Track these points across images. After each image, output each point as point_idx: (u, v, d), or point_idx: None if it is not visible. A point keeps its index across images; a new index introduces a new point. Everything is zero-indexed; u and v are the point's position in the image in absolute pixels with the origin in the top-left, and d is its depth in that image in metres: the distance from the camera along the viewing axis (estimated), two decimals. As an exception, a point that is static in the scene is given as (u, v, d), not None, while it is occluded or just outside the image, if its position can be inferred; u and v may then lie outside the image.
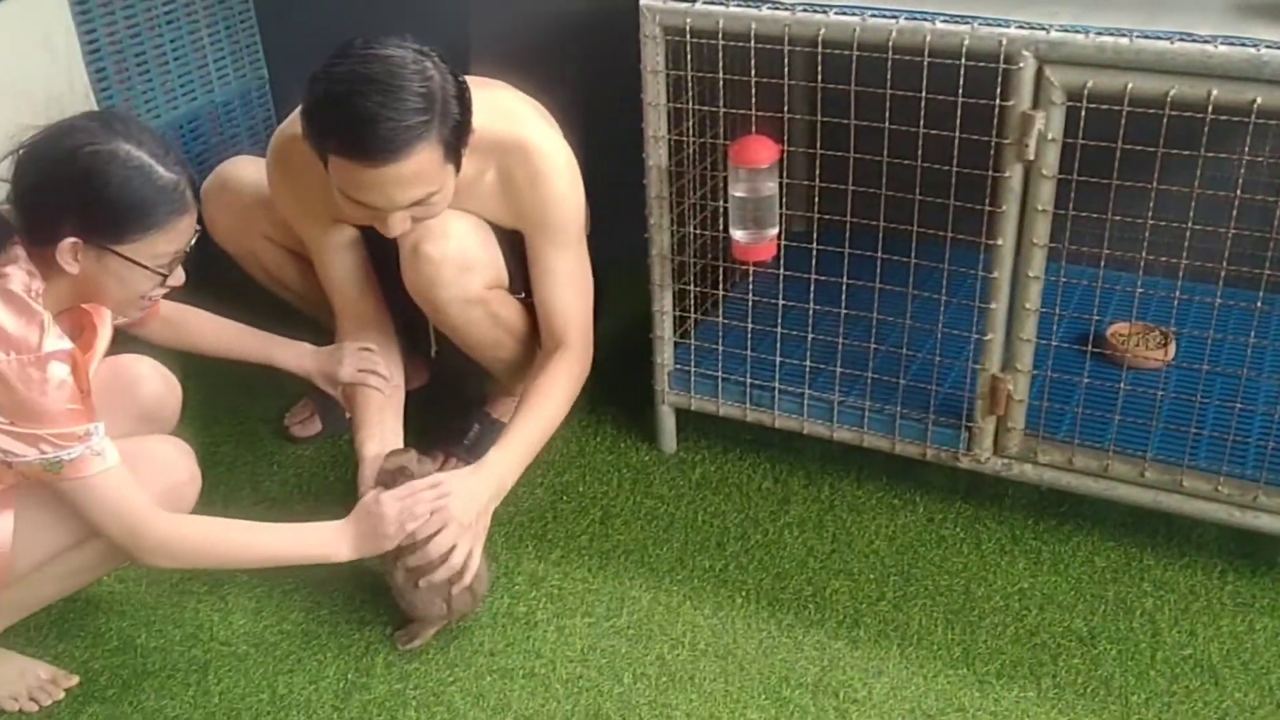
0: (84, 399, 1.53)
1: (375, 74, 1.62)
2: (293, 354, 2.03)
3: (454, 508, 1.75)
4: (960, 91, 1.69)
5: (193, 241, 1.60)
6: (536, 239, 1.93)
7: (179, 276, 1.61)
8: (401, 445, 1.91)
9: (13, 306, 1.48)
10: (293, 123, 1.92)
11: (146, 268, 1.54)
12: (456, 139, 1.70)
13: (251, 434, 2.33)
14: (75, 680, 1.79)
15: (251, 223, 2.13)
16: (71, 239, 1.49)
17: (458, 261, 1.89)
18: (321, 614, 1.90)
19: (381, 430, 1.94)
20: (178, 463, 1.73)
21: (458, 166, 1.74)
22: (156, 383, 1.87)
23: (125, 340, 1.88)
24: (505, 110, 1.89)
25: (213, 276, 2.03)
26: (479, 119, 1.77)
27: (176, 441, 1.76)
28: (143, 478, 1.63)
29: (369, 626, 1.87)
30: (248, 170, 2.16)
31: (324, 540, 1.73)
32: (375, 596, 1.92)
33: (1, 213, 1.54)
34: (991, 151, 1.72)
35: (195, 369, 1.98)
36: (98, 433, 1.52)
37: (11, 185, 1.52)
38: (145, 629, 1.87)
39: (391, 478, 1.79)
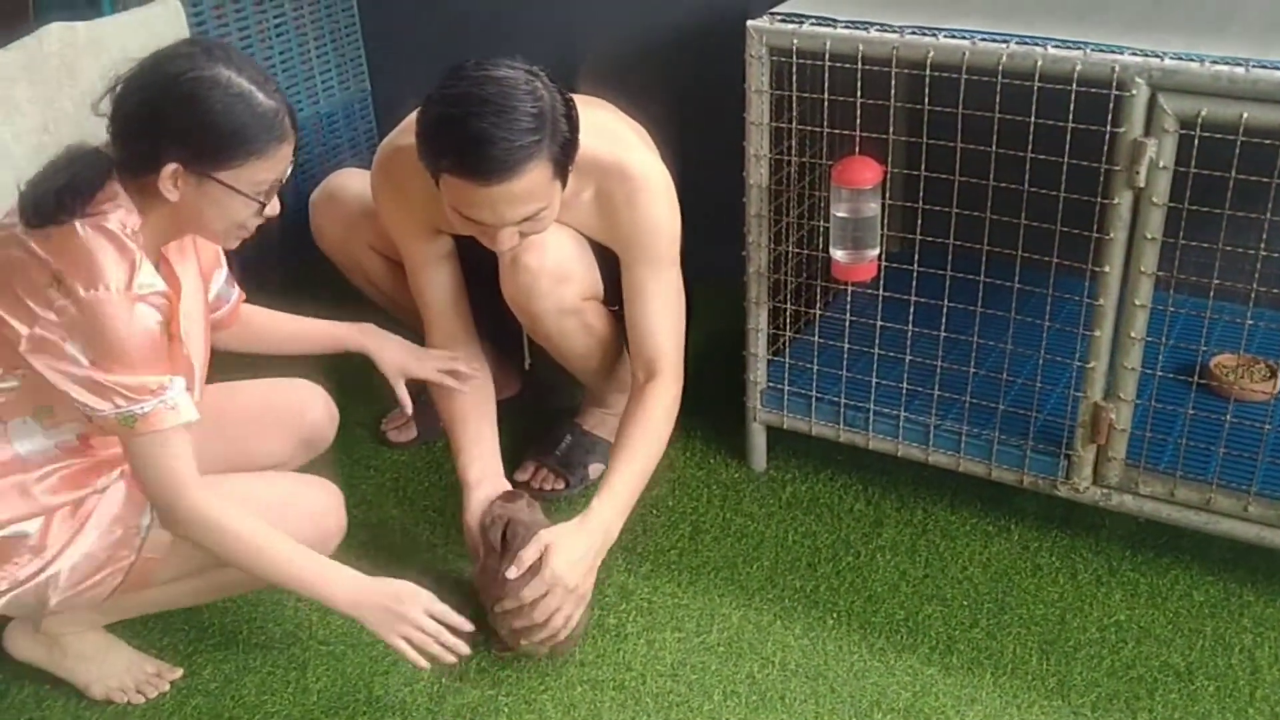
0: (170, 346, 1.55)
1: (489, 95, 1.65)
2: (356, 332, 2.02)
3: (559, 569, 1.75)
4: (1070, 117, 1.68)
5: (289, 171, 1.59)
6: (631, 261, 1.95)
7: (275, 206, 1.61)
8: (500, 466, 1.94)
9: (108, 242, 1.48)
10: (399, 134, 1.96)
11: (246, 195, 1.54)
12: (565, 156, 1.72)
13: (348, 437, 2.37)
14: (179, 673, 1.84)
15: (357, 233, 2.18)
16: (173, 165, 1.49)
17: (555, 272, 1.92)
18: (416, 618, 1.93)
19: (481, 451, 1.97)
20: (331, 513, 1.78)
21: (564, 183, 1.77)
22: (321, 412, 1.95)
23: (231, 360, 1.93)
24: (607, 132, 1.91)
25: (319, 287, 2.09)
26: (583, 138, 1.79)
27: (330, 489, 1.80)
28: (294, 522, 1.68)
29: (459, 632, 1.89)
30: (355, 182, 2.21)
31: (332, 585, 1.64)
32: (468, 602, 1.94)
33: (100, 149, 1.54)
34: (1101, 178, 1.70)
35: (292, 375, 2.02)
36: (174, 386, 1.53)
37: (112, 117, 1.53)
38: (247, 625, 1.91)
39: (498, 529, 1.80)
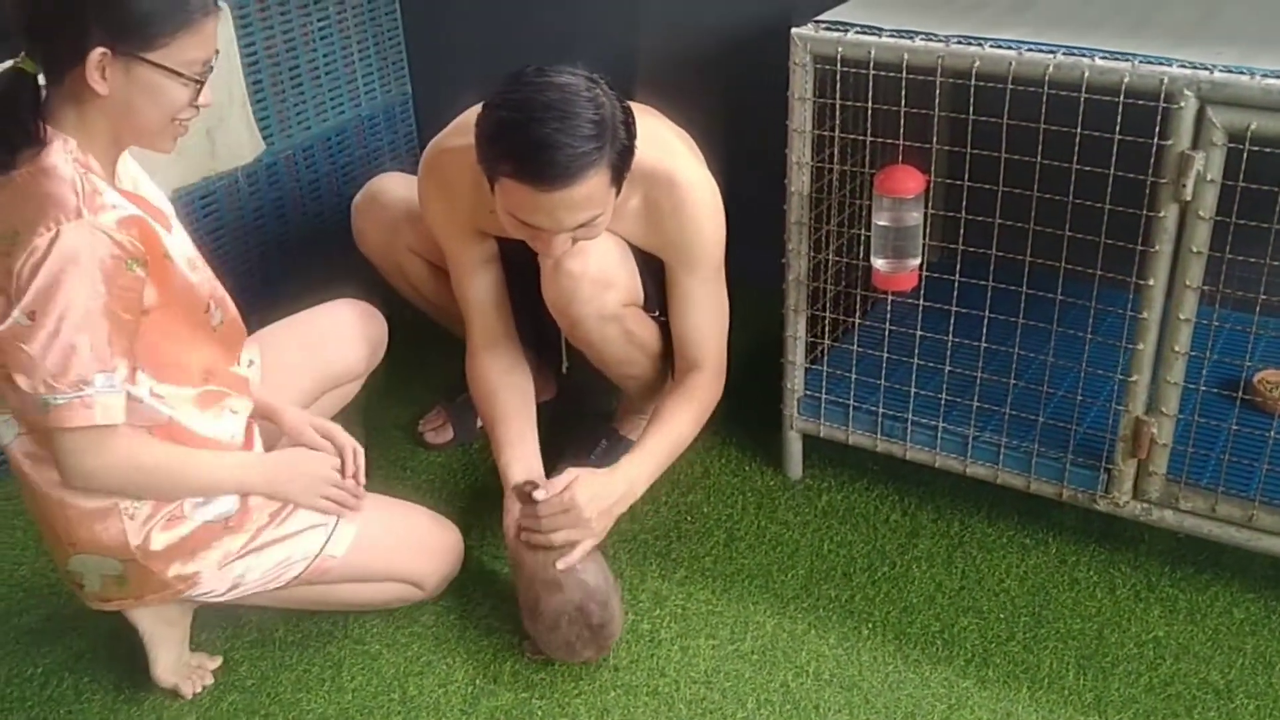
0: (163, 267, 1.52)
1: (552, 101, 1.65)
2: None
3: (579, 497, 1.80)
4: (1118, 129, 1.66)
5: (216, 55, 1.52)
6: (676, 268, 1.96)
7: (207, 95, 1.52)
8: (541, 467, 1.96)
9: (52, 179, 1.43)
10: (447, 136, 1.98)
11: (180, 74, 1.46)
12: (623, 163, 1.73)
13: (386, 438, 2.39)
14: (218, 661, 1.86)
15: (399, 236, 2.19)
16: (100, 49, 1.40)
17: (597, 278, 1.93)
18: (451, 619, 1.94)
19: (523, 452, 1.98)
20: (459, 556, 1.95)
21: (619, 190, 1.78)
22: (379, 321, 2.08)
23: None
24: (657, 141, 1.91)
25: (359, 291, 2.11)
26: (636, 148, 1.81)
27: (459, 537, 1.96)
28: (442, 560, 1.92)
29: (496, 634, 1.91)
30: (396, 185, 2.22)
31: (249, 478, 1.70)
32: (504, 603, 1.96)
33: (17, 65, 1.46)
34: (1146, 190, 1.69)
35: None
36: (97, 384, 1.47)
37: (29, 19, 1.44)
38: (284, 623, 1.92)
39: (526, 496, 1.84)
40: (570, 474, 1.84)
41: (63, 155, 1.46)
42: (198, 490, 1.66)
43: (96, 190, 1.46)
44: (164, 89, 1.47)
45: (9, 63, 1.47)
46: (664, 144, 1.92)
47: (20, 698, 1.82)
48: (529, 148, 1.65)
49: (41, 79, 1.47)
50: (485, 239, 2.02)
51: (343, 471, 1.79)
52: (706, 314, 1.98)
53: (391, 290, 2.30)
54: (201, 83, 1.51)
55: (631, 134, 1.73)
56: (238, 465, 1.72)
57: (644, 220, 1.92)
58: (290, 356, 1.95)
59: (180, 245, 1.64)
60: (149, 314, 1.55)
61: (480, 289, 2.06)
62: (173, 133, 1.54)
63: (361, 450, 1.83)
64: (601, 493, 1.84)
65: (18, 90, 1.46)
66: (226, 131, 2.51)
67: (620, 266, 1.97)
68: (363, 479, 1.82)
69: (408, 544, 1.88)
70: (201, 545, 1.66)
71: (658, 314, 2.06)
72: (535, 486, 1.82)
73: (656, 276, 2.04)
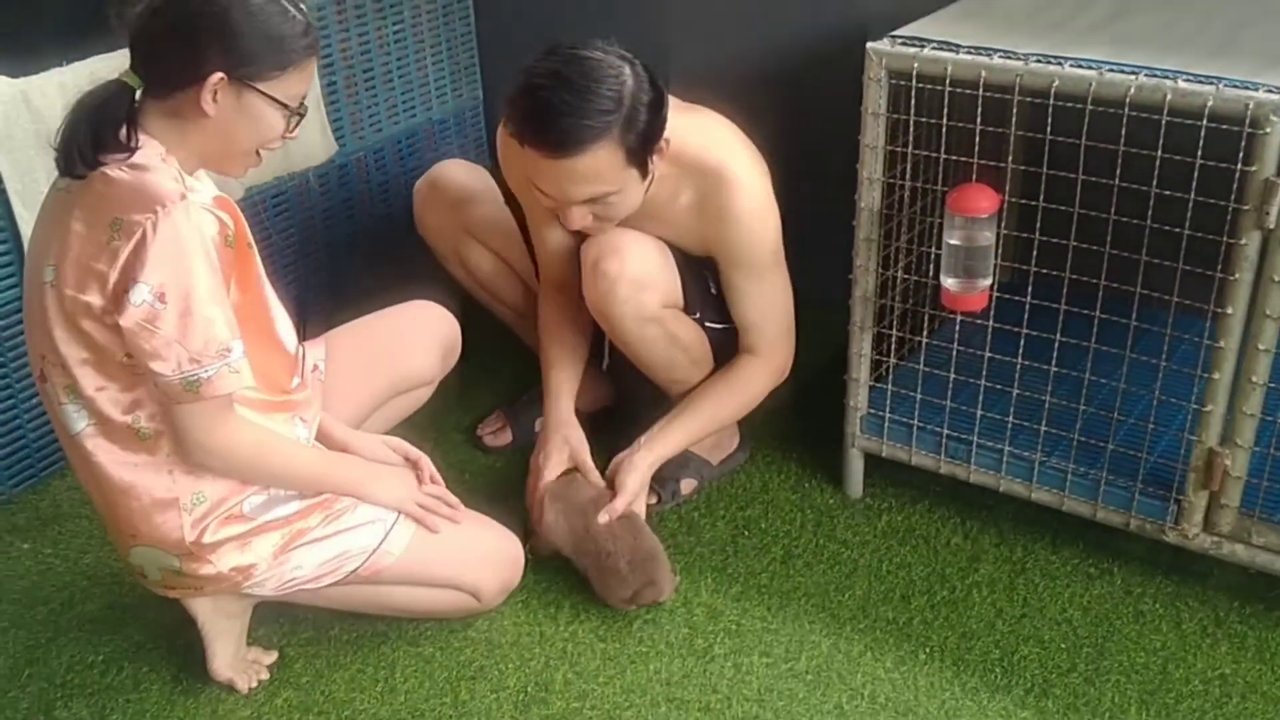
0: (242, 256, 1.57)
1: (570, 73, 1.71)
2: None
3: (636, 506, 1.99)
4: (1199, 153, 1.63)
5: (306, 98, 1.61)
6: (727, 265, 1.99)
7: (297, 130, 1.63)
8: (573, 414, 2.10)
9: (148, 170, 1.50)
10: None
11: (285, 106, 1.55)
12: (642, 146, 1.75)
13: (447, 440, 2.40)
14: (274, 656, 1.88)
15: (457, 221, 2.24)
16: (218, 74, 1.49)
17: (634, 279, 1.94)
18: (504, 624, 1.94)
19: (563, 403, 2.11)
20: (519, 569, 1.95)
21: (644, 173, 1.80)
22: (452, 325, 2.08)
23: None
24: (711, 135, 1.94)
25: (425, 292, 2.12)
26: (685, 141, 1.85)
27: (521, 549, 1.96)
28: (501, 571, 1.92)
29: (549, 642, 1.90)
30: (457, 172, 2.27)
31: (377, 494, 1.78)
32: (557, 612, 1.96)
33: (120, 79, 1.53)
34: (1228, 217, 1.65)
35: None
36: (237, 350, 1.53)
37: (141, 37, 1.52)
38: (339, 622, 1.93)
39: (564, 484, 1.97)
40: (622, 478, 1.98)
41: (154, 155, 1.53)
42: (294, 480, 1.72)
43: (186, 183, 1.53)
44: (265, 117, 1.56)
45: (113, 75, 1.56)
46: (718, 140, 1.94)
47: (81, 685, 1.85)
48: (536, 113, 1.70)
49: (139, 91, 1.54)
50: None
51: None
52: (758, 306, 2.02)
53: (454, 286, 2.31)
54: (300, 116, 1.60)
55: (657, 116, 1.76)
56: (336, 461, 1.79)
57: (693, 218, 1.95)
58: (359, 360, 1.96)
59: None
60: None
61: (553, 230, 2.08)
62: (252, 162, 1.63)
63: (437, 475, 1.89)
64: (635, 463, 2.02)
65: (118, 100, 1.53)
66: (300, 132, 2.53)
67: (659, 268, 1.98)
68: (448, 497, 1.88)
69: (466, 551, 1.88)
70: (258, 534, 1.68)
71: (698, 316, 2.06)
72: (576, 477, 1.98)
73: (699, 279, 2.04)
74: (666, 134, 1.81)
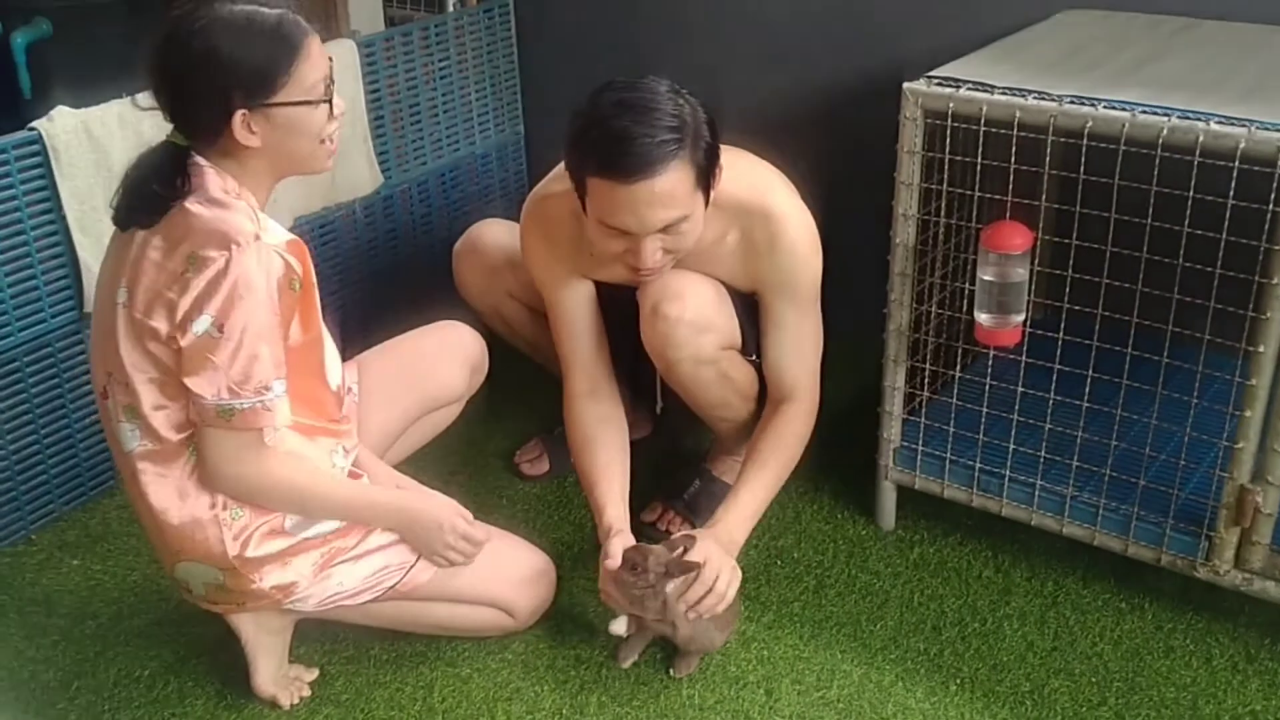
0: (304, 297, 1.62)
1: (632, 100, 1.77)
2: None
3: (710, 550, 1.83)
4: (1231, 193, 1.66)
5: (331, 64, 1.63)
6: (772, 300, 2.01)
7: (340, 104, 1.65)
8: (628, 523, 1.95)
9: (222, 206, 1.56)
10: (548, 183, 2.06)
11: (309, 101, 1.59)
12: (708, 163, 1.80)
13: (485, 467, 2.44)
14: (316, 673, 1.92)
15: (498, 282, 2.27)
16: (239, 111, 1.54)
17: (694, 322, 1.96)
18: (541, 647, 1.97)
19: (618, 511, 1.96)
20: (551, 589, 2.00)
21: (706, 197, 1.83)
22: (479, 343, 2.13)
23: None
24: (751, 175, 1.97)
25: (466, 319, 2.16)
26: (727, 182, 1.87)
27: (553, 569, 2.00)
28: (533, 590, 1.96)
29: (585, 665, 1.93)
30: (496, 232, 2.30)
31: (407, 531, 1.81)
32: (592, 635, 1.99)
33: (168, 139, 1.61)
34: (1260, 256, 1.67)
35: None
36: (277, 389, 1.59)
37: (162, 104, 1.59)
38: (379, 641, 1.97)
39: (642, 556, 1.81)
40: (698, 552, 1.82)
41: (221, 186, 1.59)
42: (329, 515, 1.75)
43: (259, 221, 1.59)
44: (302, 118, 1.61)
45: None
46: (758, 177, 1.98)
47: (128, 698, 1.89)
48: (610, 141, 1.74)
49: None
50: (585, 284, 2.07)
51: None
52: (800, 345, 2.02)
53: (492, 331, 2.35)
54: (329, 99, 1.63)
55: (715, 137, 1.81)
56: (372, 504, 1.81)
57: (740, 256, 1.98)
58: (389, 380, 2.01)
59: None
60: (290, 348, 1.65)
61: (579, 335, 2.09)
62: (325, 152, 1.67)
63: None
64: (722, 560, 1.84)
65: (171, 159, 1.60)
66: (348, 164, 2.60)
67: (717, 310, 2.00)
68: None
69: (502, 568, 1.92)
70: (299, 553, 1.72)
71: (754, 357, 2.09)
72: (645, 555, 1.80)
73: (754, 319, 2.07)
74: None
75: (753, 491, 1.97)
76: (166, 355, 1.60)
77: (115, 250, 1.67)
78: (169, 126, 1.62)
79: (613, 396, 2.12)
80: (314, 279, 1.66)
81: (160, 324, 1.57)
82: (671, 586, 1.79)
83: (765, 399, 2.13)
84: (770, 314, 2.02)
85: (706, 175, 1.81)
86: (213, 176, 1.60)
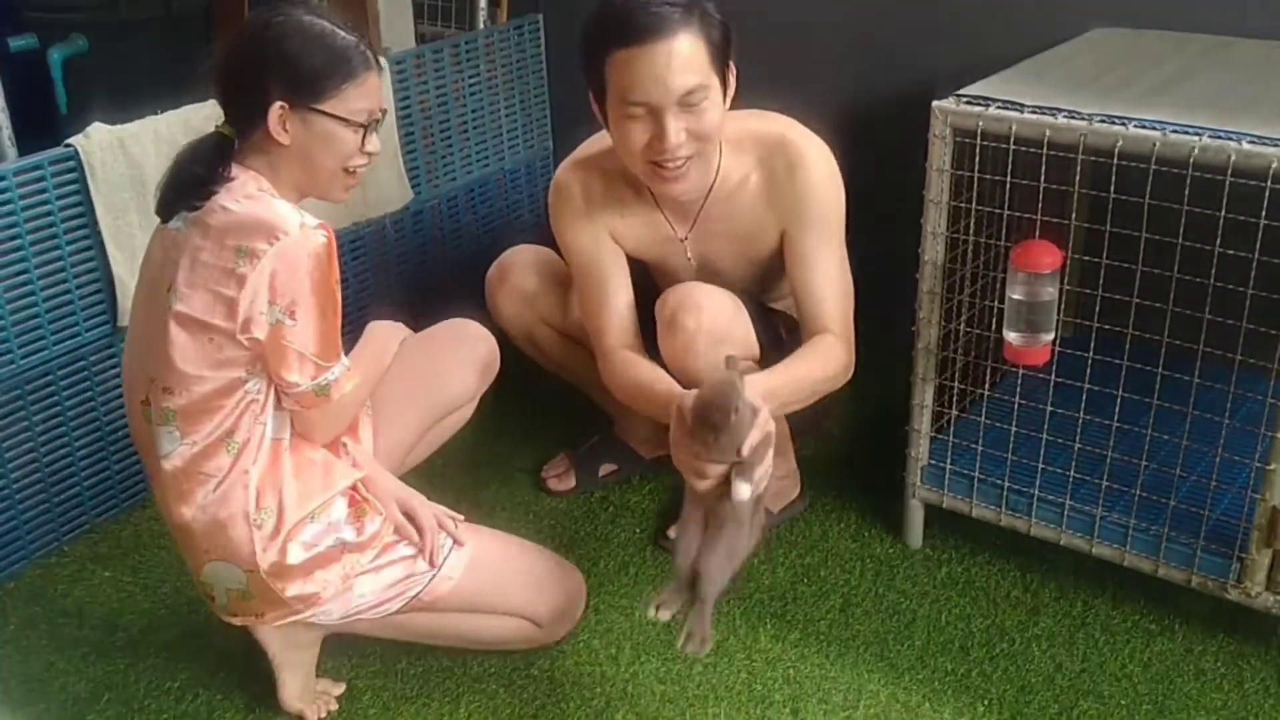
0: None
1: None
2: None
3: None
4: (1263, 213, 1.65)
5: (382, 111, 1.72)
6: (796, 231, 2.01)
7: (375, 144, 1.72)
8: None
9: (260, 200, 1.63)
10: (576, 153, 2.13)
11: (349, 120, 1.65)
12: (722, 46, 1.85)
13: (511, 481, 2.45)
14: (342, 688, 1.92)
15: (531, 308, 2.28)
16: (279, 104, 1.61)
17: (711, 332, 1.97)
18: (567, 664, 1.97)
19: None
20: (582, 598, 2.00)
21: (724, 87, 1.87)
22: (488, 341, 2.10)
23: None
24: (765, 116, 2.03)
25: (503, 358, 2.16)
26: (744, 123, 1.94)
27: (581, 578, 2.01)
28: (560, 597, 1.94)
29: (610, 682, 1.93)
30: (528, 259, 2.31)
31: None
32: (618, 653, 1.99)
33: (215, 129, 1.67)
34: (1292, 276, 1.66)
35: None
36: (344, 359, 1.71)
37: (215, 84, 1.68)
38: (406, 655, 1.98)
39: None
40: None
41: (255, 184, 1.66)
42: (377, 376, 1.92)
43: (293, 207, 1.66)
44: (336, 135, 1.67)
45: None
46: (774, 118, 2.02)
47: (158, 710, 1.91)
48: (623, 10, 1.81)
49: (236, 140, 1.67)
50: (618, 252, 2.09)
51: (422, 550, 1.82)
52: (829, 276, 2.00)
53: (524, 355, 2.37)
54: (367, 129, 1.69)
55: (726, 29, 1.86)
56: (371, 351, 1.93)
57: (764, 194, 2.01)
58: (399, 387, 1.99)
59: None
60: None
61: (612, 293, 2.07)
62: (345, 183, 1.73)
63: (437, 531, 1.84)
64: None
65: (214, 149, 1.66)
66: (378, 180, 2.62)
67: (735, 321, 2.02)
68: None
69: (525, 578, 1.91)
70: (321, 565, 1.73)
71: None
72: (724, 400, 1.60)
73: (771, 329, 2.07)
74: (725, 121, 1.90)
75: (775, 373, 1.88)
76: (224, 352, 1.64)
77: (158, 256, 1.71)
78: None
79: (652, 370, 1.99)
80: (341, 271, 1.72)
81: (220, 320, 1.62)
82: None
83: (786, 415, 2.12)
84: (796, 251, 2.01)
85: (721, 58, 1.85)
86: (250, 175, 1.66)
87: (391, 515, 1.80)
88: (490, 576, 1.86)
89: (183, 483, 1.70)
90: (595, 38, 1.87)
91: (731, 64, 1.89)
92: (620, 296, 2.08)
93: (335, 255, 1.66)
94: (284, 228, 1.60)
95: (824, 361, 1.96)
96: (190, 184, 1.65)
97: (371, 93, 1.69)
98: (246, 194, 1.64)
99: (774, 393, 1.82)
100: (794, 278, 2.03)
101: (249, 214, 1.62)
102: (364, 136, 1.69)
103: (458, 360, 2.08)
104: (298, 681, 1.87)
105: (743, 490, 1.60)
